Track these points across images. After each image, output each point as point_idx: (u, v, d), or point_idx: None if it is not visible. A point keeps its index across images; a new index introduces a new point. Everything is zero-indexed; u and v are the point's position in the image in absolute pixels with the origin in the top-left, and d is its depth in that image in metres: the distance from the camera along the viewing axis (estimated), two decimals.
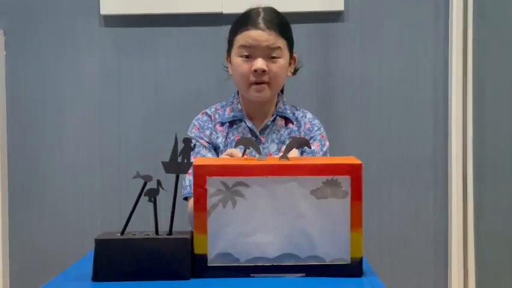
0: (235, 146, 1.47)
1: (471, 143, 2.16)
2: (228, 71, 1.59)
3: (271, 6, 1.55)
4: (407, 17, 2.18)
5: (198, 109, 1.64)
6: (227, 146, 1.54)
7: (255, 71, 1.47)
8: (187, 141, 1.06)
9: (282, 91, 1.65)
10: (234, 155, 1.32)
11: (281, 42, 1.49)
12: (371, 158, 2.17)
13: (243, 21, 1.50)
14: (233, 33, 1.53)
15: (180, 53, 2.21)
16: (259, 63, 1.47)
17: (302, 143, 1.19)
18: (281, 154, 1.11)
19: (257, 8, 1.52)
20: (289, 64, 1.57)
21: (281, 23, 1.50)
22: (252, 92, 1.50)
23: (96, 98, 2.23)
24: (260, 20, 1.48)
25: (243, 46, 1.48)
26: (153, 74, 2.22)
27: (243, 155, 1.20)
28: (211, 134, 1.56)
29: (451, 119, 2.16)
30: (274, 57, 1.48)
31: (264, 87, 1.49)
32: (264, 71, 1.47)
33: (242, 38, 1.49)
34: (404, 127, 2.20)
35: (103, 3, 2.16)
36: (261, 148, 1.44)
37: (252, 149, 1.19)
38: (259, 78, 1.48)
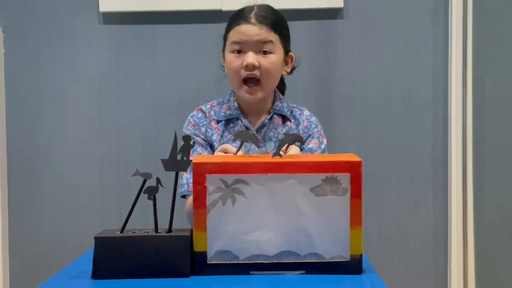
0: (234, 140, 1.47)
1: (471, 140, 2.16)
2: (224, 71, 1.58)
3: (267, 3, 1.54)
4: (407, 14, 2.18)
5: (197, 107, 1.63)
6: (222, 144, 1.52)
7: (247, 66, 1.46)
8: (187, 139, 1.06)
9: (281, 90, 1.64)
10: (228, 150, 1.31)
11: (273, 37, 1.48)
12: (370, 156, 2.17)
13: (235, 17, 1.51)
14: (226, 30, 1.53)
15: (179, 50, 2.21)
16: (250, 58, 1.46)
17: (295, 140, 1.19)
18: (274, 151, 1.10)
19: (252, 5, 1.52)
20: (286, 63, 1.56)
21: (274, 18, 1.49)
22: (243, 93, 1.50)
23: (95, 95, 2.22)
24: (252, 15, 1.48)
25: (235, 42, 1.48)
26: (152, 72, 2.22)
27: (237, 150, 1.19)
28: (206, 131, 1.56)
29: (450, 116, 2.16)
30: (266, 52, 1.47)
31: (255, 89, 1.48)
32: (254, 65, 1.46)
33: (234, 34, 1.48)
34: (403, 124, 2.20)
35: (102, 1, 2.16)
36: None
37: (250, 142, 1.18)
38: (251, 74, 1.47)
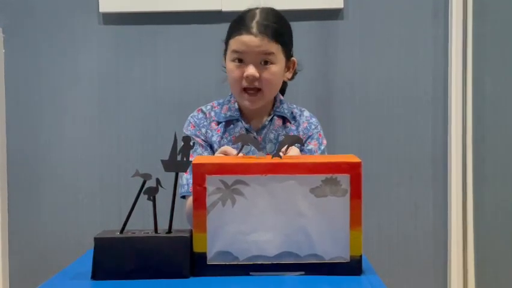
0: (234, 143, 1.46)
1: (470, 141, 2.16)
2: (225, 72, 1.57)
3: (270, 6, 1.51)
4: (407, 15, 2.18)
5: (197, 107, 1.63)
6: (222, 145, 1.52)
7: (247, 77, 1.45)
8: (187, 139, 1.06)
9: (282, 89, 1.64)
10: (228, 152, 1.31)
11: (275, 48, 1.45)
12: (370, 156, 2.17)
13: (237, 24, 1.47)
14: (228, 36, 1.50)
15: (179, 51, 2.21)
16: (250, 70, 1.44)
17: (295, 141, 1.19)
18: (274, 152, 1.10)
19: (254, 10, 1.48)
20: (288, 68, 1.54)
21: (277, 26, 1.46)
22: (244, 100, 1.49)
23: (95, 96, 2.22)
24: (253, 24, 1.43)
25: (235, 51, 1.46)
26: (152, 72, 2.21)
27: (238, 153, 1.19)
28: (206, 132, 1.56)
29: (450, 116, 2.16)
30: (267, 63, 1.45)
31: (256, 98, 1.47)
32: (255, 77, 1.44)
33: (234, 43, 1.46)
34: (403, 125, 2.20)
35: (102, 1, 2.16)
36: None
37: (250, 145, 1.18)
38: (251, 84, 1.46)
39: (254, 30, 1.43)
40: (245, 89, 1.47)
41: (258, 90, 1.47)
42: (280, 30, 1.47)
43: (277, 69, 1.47)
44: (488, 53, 2.17)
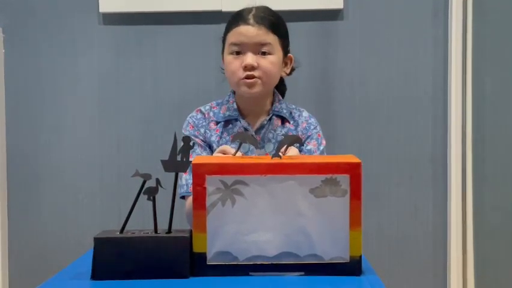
0: (232, 142, 1.47)
1: (470, 141, 2.16)
2: (224, 73, 1.58)
3: (266, 5, 1.54)
4: (407, 15, 2.18)
5: (197, 107, 1.63)
6: (221, 145, 1.52)
7: (245, 66, 1.46)
8: (186, 139, 1.06)
9: (282, 92, 1.64)
10: (227, 151, 1.31)
11: (271, 38, 1.48)
12: (370, 156, 2.17)
13: (234, 19, 1.51)
14: (225, 32, 1.54)
15: (179, 51, 2.21)
16: (249, 58, 1.46)
17: (294, 141, 1.19)
18: (273, 152, 1.10)
19: (251, 7, 1.52)
20: (285, 64, 1.56)
21: (273, 19, 1.50)
22: (242, 87, 1.49)
23: (95, 96, 2.22)
24: (250, 16, 1.48)
25: (234, 43, 1.49)
26: (152, 72, 2.21)
27: (236, 152, 1.19)
28: (205, 132, 1.56)
29: (450, 117, 2.16)
30: (264, 53, 1.48)
31: (255, 82, 1.48)
32: (253, 66, 1.46)
33: (232, 35, 1.49)
34: (403, 125, 2.20)
35: (102, 1, 2.16)
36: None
37: (248, 143, 1.18)
38: (250, 74, 1.47)
39: (251, 21, 1.48)
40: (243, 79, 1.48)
41: (257, 78, 1.48)
42: (277, 23, 1.51)
43: (275, 59, 1.50)
44: (488, 53, 2.17)
